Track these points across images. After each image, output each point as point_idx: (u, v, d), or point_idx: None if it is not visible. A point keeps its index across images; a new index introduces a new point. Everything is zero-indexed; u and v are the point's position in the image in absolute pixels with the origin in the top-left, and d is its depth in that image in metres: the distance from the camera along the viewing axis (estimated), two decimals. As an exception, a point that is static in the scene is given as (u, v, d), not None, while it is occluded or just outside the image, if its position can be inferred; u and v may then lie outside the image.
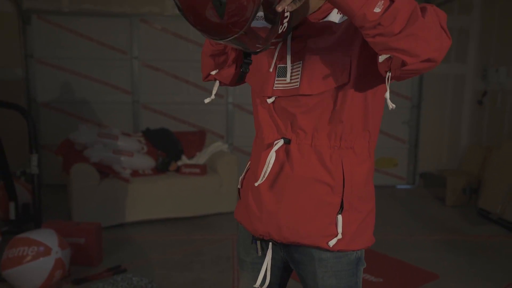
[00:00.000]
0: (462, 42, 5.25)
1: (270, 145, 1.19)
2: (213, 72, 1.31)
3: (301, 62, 1.14)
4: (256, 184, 1.18)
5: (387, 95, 1.01)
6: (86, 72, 5.04)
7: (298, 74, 1.14)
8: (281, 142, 1.17)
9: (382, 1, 0.91)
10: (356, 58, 1.08)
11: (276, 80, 1.18)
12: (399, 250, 3.43)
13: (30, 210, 3.71)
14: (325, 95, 1.12)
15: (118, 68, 5.10)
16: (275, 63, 1.19)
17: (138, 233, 3.74)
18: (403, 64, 0.94)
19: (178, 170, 4.27)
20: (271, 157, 1.15)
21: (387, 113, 1.40)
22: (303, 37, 1.16)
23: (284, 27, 1.04)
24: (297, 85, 1.14)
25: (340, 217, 1.14)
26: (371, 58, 1.06)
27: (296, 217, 1.16)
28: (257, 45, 1.04)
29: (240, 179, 1.37)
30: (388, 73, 1.00)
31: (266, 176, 1.16)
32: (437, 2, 4.98)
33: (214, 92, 1.31)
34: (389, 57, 0.96)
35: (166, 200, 4.01)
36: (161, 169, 4.24)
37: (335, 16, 1.14)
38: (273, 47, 1.20)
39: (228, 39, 0.98)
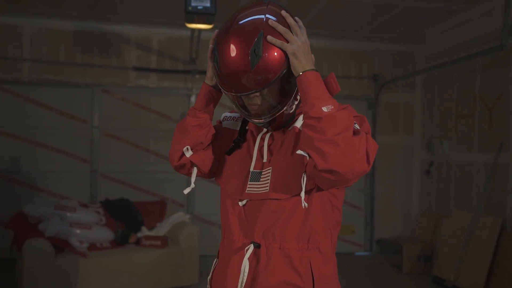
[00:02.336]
0: (408, 116, 5.69)
1: (240, 249, 1.22)
2: (188, 153, 1.27)
3: (271, 168, 1.23)
4: None
5: (302, 194, 1.13)
6: (43, 141, 4.93)
7: (268, 179, 1.22)
8: (251, 248, 1.20)
9: (332, 106, 1.06)
10: None
11: (249, 184, 1.24)
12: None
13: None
14: (293, 200, 1.19)
15: (77, 137, 5.04)
16: (248, 168, 1.26)
17: (94, 313, 3.53)
18: (315, 166, 1.05)
19: (138, 242, 4.15)
20: (245, 266, 1.18)
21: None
22: (276, 140, 1.25)
23: (291, 109, 1.19)
24: (267, 189, 1.21)
25: None
26: None
27: None
28: (266, 113, 1.17)
29: (208, 279, 1.36)
30: (303, 174, 1.13)
31: (243, 286, 1.17)
32: (384, 80, 5.43)
33: (193, 180, 1.31)
34: (305, 156, 1.09)
35: (124, 274, 3.85)
36: (120, 241, 4.11)
37: (300, 122, 1.25)
38: (268, 130, 1.27)
39: (245, 94, 1.13)
